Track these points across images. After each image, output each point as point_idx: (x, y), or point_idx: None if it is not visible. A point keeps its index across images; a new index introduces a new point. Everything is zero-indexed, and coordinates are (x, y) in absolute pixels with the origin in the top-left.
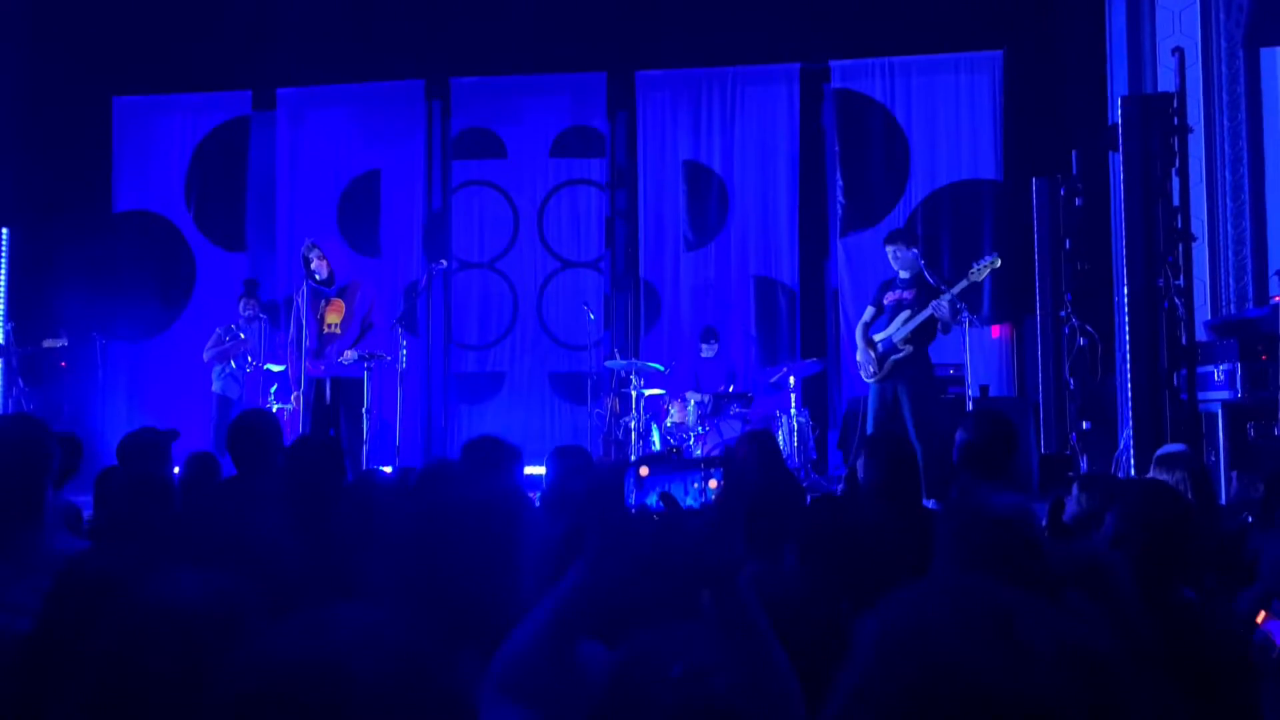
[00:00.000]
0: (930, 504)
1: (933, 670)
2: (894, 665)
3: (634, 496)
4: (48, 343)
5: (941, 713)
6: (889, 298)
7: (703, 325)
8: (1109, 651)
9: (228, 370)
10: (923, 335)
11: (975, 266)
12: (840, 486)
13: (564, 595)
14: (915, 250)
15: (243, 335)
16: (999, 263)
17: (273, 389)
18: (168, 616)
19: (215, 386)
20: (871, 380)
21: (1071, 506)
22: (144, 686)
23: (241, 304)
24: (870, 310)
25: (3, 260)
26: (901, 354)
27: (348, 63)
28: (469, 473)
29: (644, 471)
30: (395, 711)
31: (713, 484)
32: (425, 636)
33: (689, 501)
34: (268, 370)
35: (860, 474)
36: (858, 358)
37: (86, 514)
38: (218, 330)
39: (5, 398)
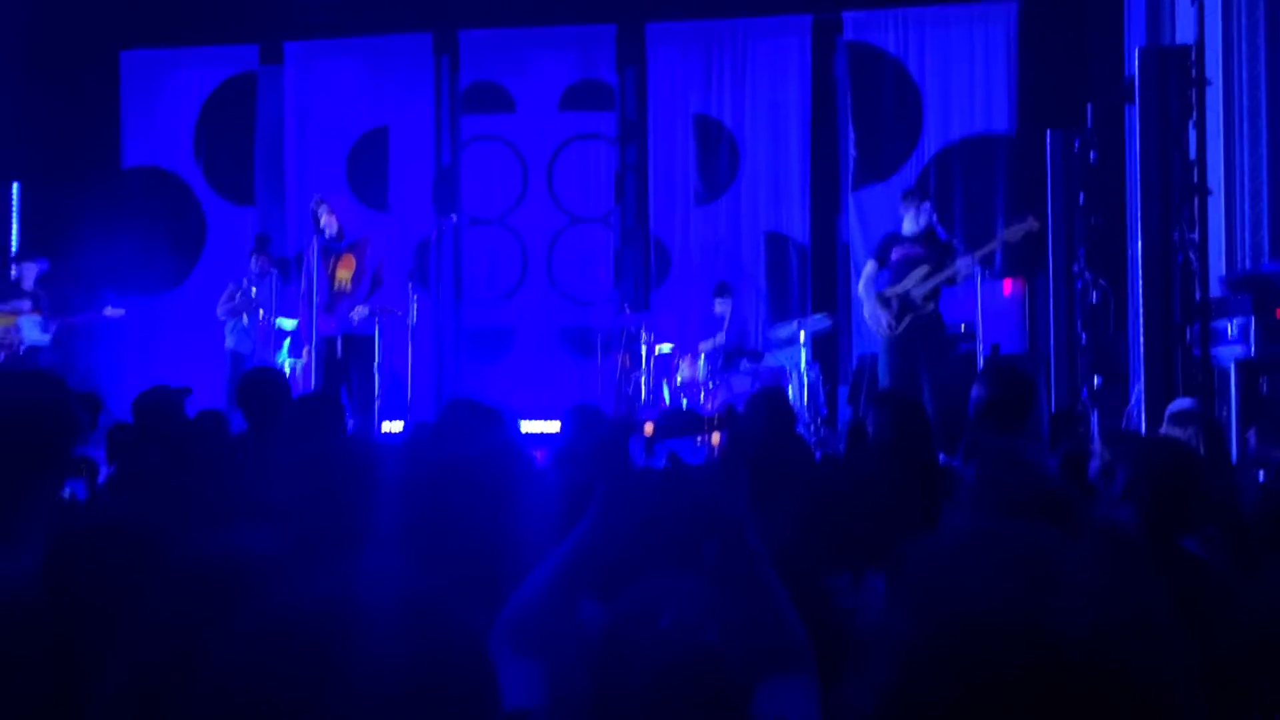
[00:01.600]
0: (944, 459)
1: (967, 615)
2: (927, 614)
3: (643, 455)
4: (109, 311)
5: (979, 660)
6: (896, 253)
7: (715, 280)
8: (1147, 594)
9: (240, 326)
10: (938, 292)
11: (1009, 228)
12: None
13: (570, 552)
14: (927, 205)
15: (254, 290)
16: (1036, 225)
17: (285, 343)
18: (219, 571)
19: (228, 343)
20: (887, 336)
21: (1095, 463)
22: (198, 644)
23: (253, 260)
24: (873, 265)
25: (14, 216)
26: (925, 311)
27: (355, 16)
28: (453, 434)
29: (649, 430)
30: (408, 647)
31: (715, 437)
32: (438, 581)
33: (694, 458)
34: (279, 326)
35: (870, 431)
36: (866, 314)
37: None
38: (230, 286)
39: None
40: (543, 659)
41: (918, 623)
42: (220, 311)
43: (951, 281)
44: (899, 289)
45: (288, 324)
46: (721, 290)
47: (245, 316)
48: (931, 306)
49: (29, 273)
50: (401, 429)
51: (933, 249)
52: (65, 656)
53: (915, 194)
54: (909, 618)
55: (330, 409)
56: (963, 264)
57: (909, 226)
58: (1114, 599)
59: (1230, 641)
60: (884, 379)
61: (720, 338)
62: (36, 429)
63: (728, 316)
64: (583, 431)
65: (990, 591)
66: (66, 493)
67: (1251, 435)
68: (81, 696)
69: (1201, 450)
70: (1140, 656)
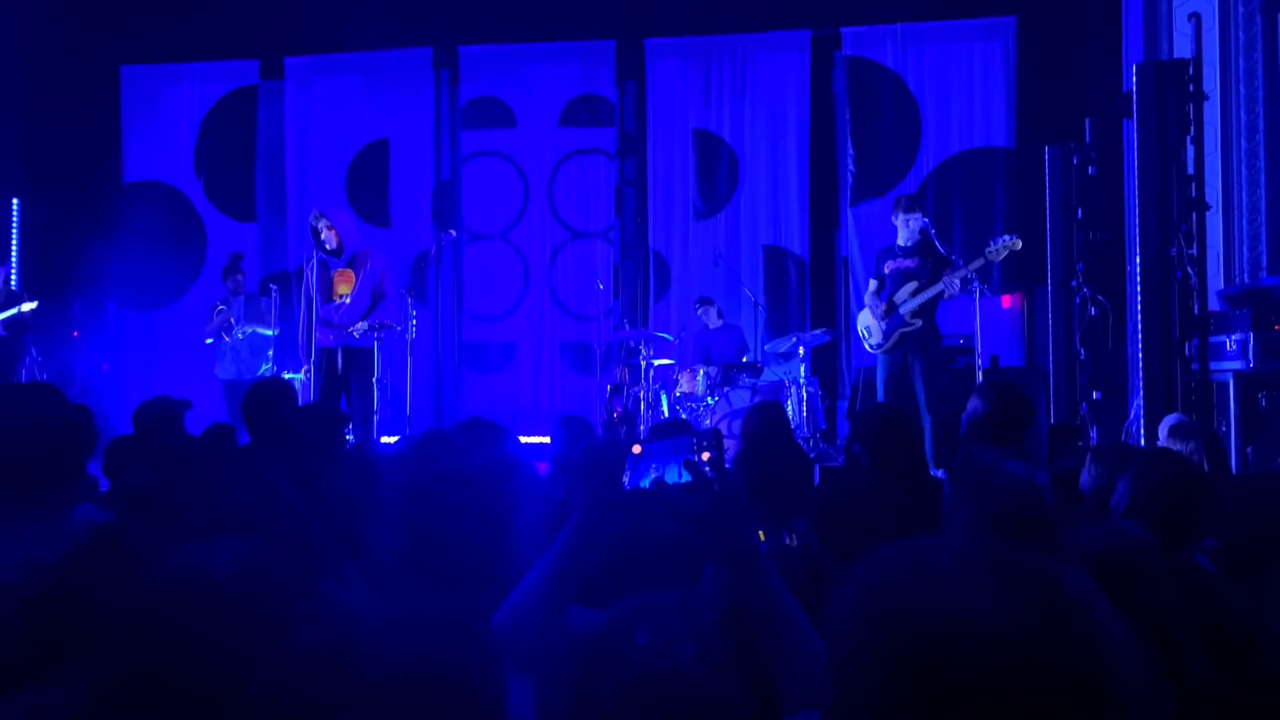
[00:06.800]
0: (940, 474)
1: (909, 618)
2: (872, 617)
3: (629, 476)
4: (25, 306)
5: (924, 660)
6: (888, 266)
7: (714, 294)
8: (1089, 597)
9: (223, 347)
10: (930, 306)
11: (993, 246)
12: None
13: (551, 565)
14: (918, 216)
15: (221, 306)
16: (1019, 245)
17: (269, 353)
18: (204, 586)
19: (217, 370)
20: (878, 351)
21: (1085, 477)
22: (180, 657)
23: (228, 279)
24: (874, 284)
25: (14, 231)
26: (911, 328)
27: (355, 31)
28: (462, 443)
29: (636, 450)
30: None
31: (705, 455)
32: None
33: (682, 478)
34: (256, 334)
35: (859, 446)
36: (862, 326)
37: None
38: (213, 306)
39: (21, 367)
40: (530, 673)
41: (859, 633)
42: (208, 338)
43: (940, 298)
44: (887, 304)
45: (265, 331)
46: (703, 301)
47: (225, 336)
48: (921, 321)
49: None
50: (396, 440)
51: (925, 262)
52: (46, 662)
53: (903, 202)
54: (852, 629)
55: (331, 420)
56: (947, 283)
57: (901, 237)
58: (1046, 596)
59: (1249, 656)
60: (879, 394)
61: (712, 370)
62: (48, 442)
63: (729, 323)
64: (572, 443)
65: (921, 597)
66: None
67: (1250, 452)
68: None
69: (1205, 465)
70: (1071, 651)
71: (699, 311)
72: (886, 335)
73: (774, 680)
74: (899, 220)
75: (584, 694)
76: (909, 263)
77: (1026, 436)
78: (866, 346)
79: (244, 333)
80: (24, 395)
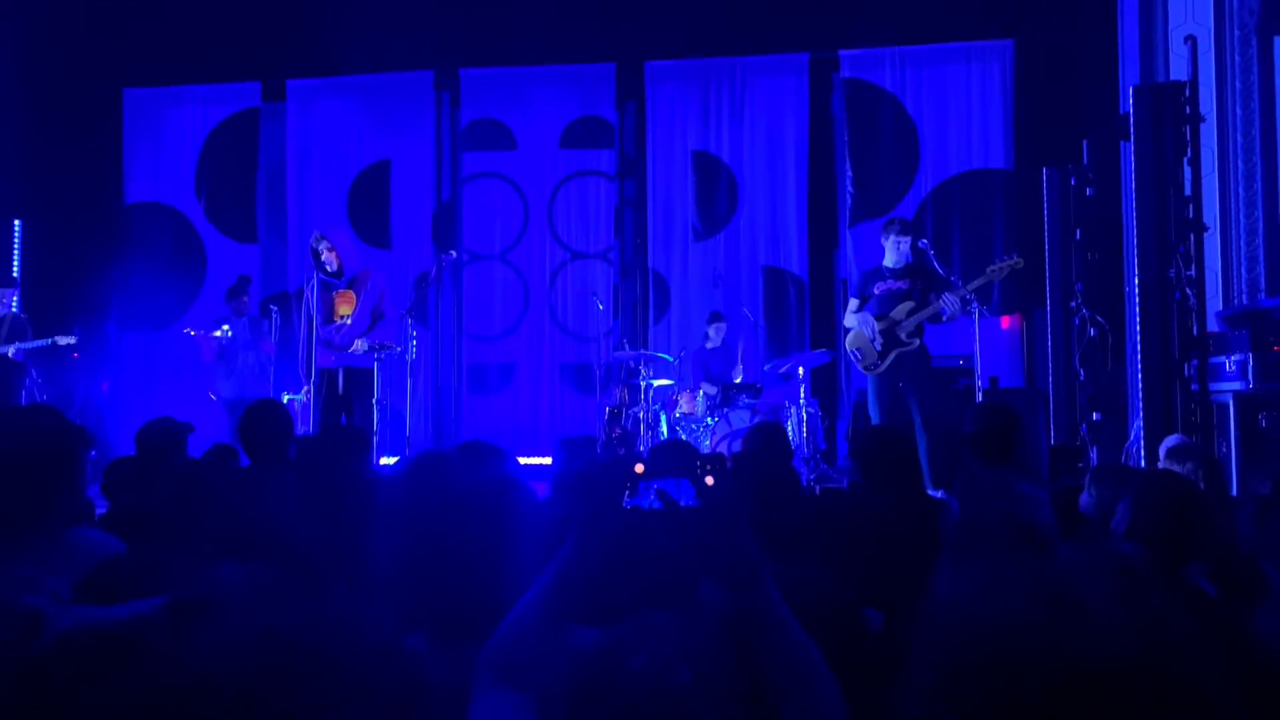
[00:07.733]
0: (938, 494)
1: (996, 651)
2: (956, 656)
3: (628, 495)
4: (60, 340)
5: (1014, 681)
6: (878, 288)
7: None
8: (1169, 611)
9: (223, 367)
10: (923, 327)
11: (995, 265)
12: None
13: (550, 580)
14: (909, 239)
15: (189, 331)
16: (1020, 263)
17: (270, 373)
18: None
19: (220, 390)
20: (871, 372)
21: (1084, 498)
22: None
23: (234, 302)
24: (856, 303)
25: (16, 252)
26: (908, 347)
27: (357, 54)
28: (461, 464)
29: (639, 469)
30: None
31: (709, 480)
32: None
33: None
34: (258, 354)
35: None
36: (848, 347)
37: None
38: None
39: (21, 388)
40: (528, 691)
41: (946, 664)
42: (204, 356)
43: (937, 320)
44: (882, 324)
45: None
46: (715, 318)
47: (219, 331)
48: (917, 341)
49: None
50: (396, 461)
51: (915, 283)
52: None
53: (895, 224)
54: (936, 660)
55: (359, 441)
56: (947, 302)
57: (890, 259)
58: (1138, 624)
59: (1248, 676)
60: (873, 415)
61: (713, 390)
62: (42, 463)
63: (728, 343)
64: (574, 463)
65: (1017, 626)
66: None
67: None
68: None
69: (1202, 486)
70: (1171, 677)
71: (710, 328)
72: (883, 355)
73: (776, 700)
74: (889, 242)
75: (580, 716)
76: (900, 284)
77: (1027, 457)
78: (861, 368)
79: (229, 333)
80: (22, 417)
